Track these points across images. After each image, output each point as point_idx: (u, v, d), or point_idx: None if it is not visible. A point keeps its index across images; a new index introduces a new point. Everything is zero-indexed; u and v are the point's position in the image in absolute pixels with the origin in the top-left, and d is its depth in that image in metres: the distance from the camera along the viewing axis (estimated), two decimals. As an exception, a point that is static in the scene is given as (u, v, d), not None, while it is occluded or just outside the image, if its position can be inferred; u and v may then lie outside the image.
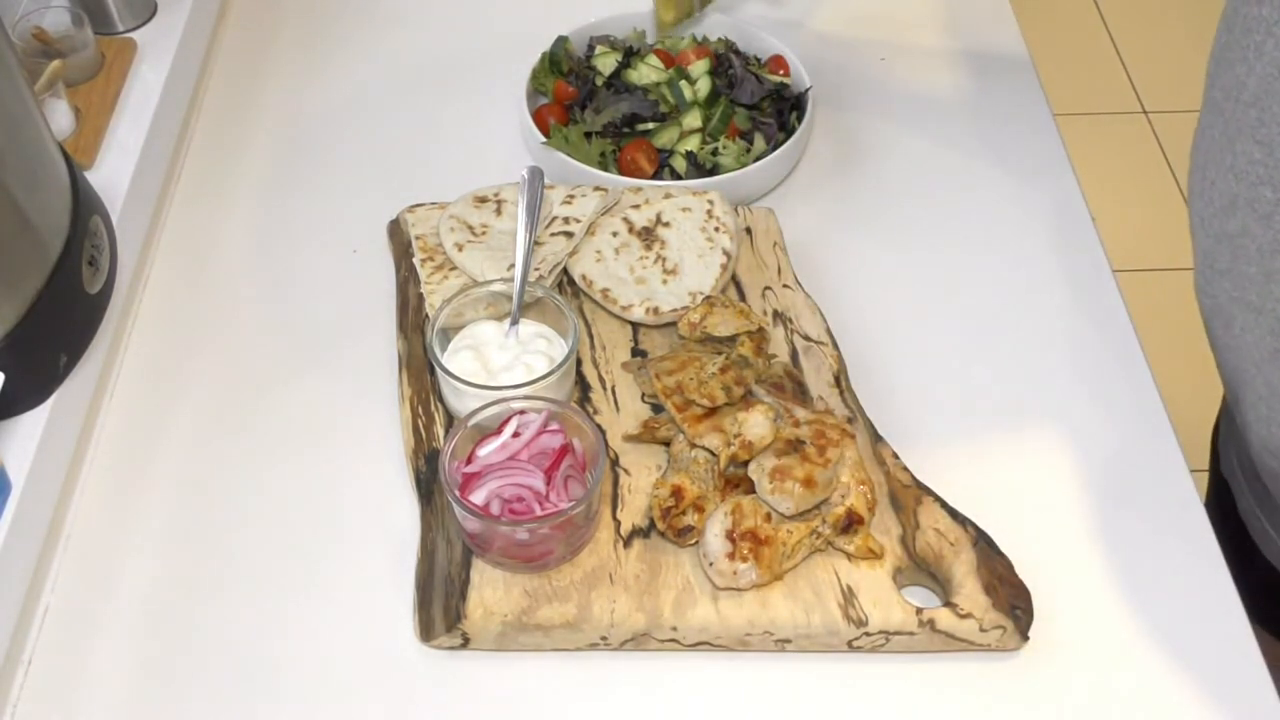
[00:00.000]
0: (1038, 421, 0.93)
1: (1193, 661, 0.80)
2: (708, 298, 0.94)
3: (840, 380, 0.92)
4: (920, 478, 0.86)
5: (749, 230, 1.03)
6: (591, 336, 0.96)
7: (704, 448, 0.85)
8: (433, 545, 0.83)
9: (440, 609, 0.80)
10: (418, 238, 1.01)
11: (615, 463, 0.88)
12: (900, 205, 1.10)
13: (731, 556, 0.79)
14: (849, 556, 0.82)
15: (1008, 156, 1.14)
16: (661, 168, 1.07)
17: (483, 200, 1.02)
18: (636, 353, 0.95)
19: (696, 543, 0.82)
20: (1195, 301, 0.90)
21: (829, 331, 0.96)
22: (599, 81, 1.13)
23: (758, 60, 1.17)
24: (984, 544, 0.82)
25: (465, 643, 0.80)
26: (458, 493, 0.80)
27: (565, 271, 0.99)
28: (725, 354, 0.89)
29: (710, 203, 1.01)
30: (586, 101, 1.12)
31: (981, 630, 0.79)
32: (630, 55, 1.15)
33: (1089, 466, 0.91)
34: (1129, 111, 2.68)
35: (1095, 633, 0.82)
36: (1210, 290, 0.86)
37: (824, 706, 0.79)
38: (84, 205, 0.90)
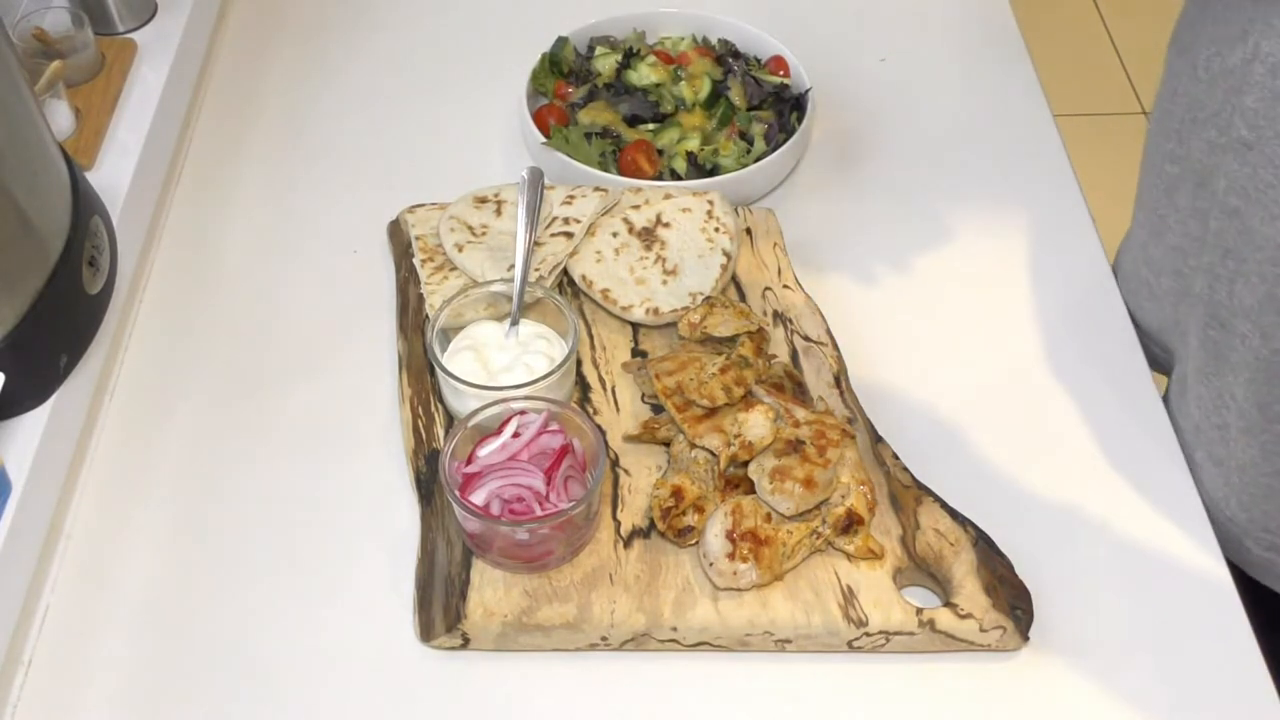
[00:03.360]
0: (1038, 421, 0.93)
1: (1193, 662, 0.80)
2: (708, 298, 0.94)
3: (840, 380, 0.92)
4: (920, 478, 0.86)
5: (749, 231, 1.03)
6: (591, 337, 0.96)
7: (704, 448, 0.85)
8: (433, 545, 0.83)
9: (440, 609, 0.80)
10: (418, 238, 1.01)
11: (615, 463, 0.88)
12: (900, 205, 1.10)
13: (731, 557, 0.79)
14: (849, 557, 0.82)
15: (1008, 156, 1.14)
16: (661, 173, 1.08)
17: (483, 200, 1.02)
18: (636, 353, 0.95)
19: (696, 543, 0.82)
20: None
21: (829, 332, 0.96)
22: (599, 83, 1.13)
23: (758, 61, 1.17)
24: (984, 544, 0.82)
25: (465, 643, 0.80)
26: (458, 493, 0.80)
27: (565, 272, 0.99)
28: (725, 354, 0.89)
29: (710, 203, 1.01)
30: (586, 102, 1.12)
31: (981, 630, 0.79)
32: (630, 56, 1.15)
33: (1089, 467, 0.91)
34: (1129, 112, 2.68)
35: (1095, 633, 0.82)
36: (1181, 153, 0.87)
37: (824, 706, 0.79)
38: (84, 205, 0.90)
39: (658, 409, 0.90)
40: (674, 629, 0.79)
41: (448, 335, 0.92)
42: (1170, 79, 0.90)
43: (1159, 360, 0.98)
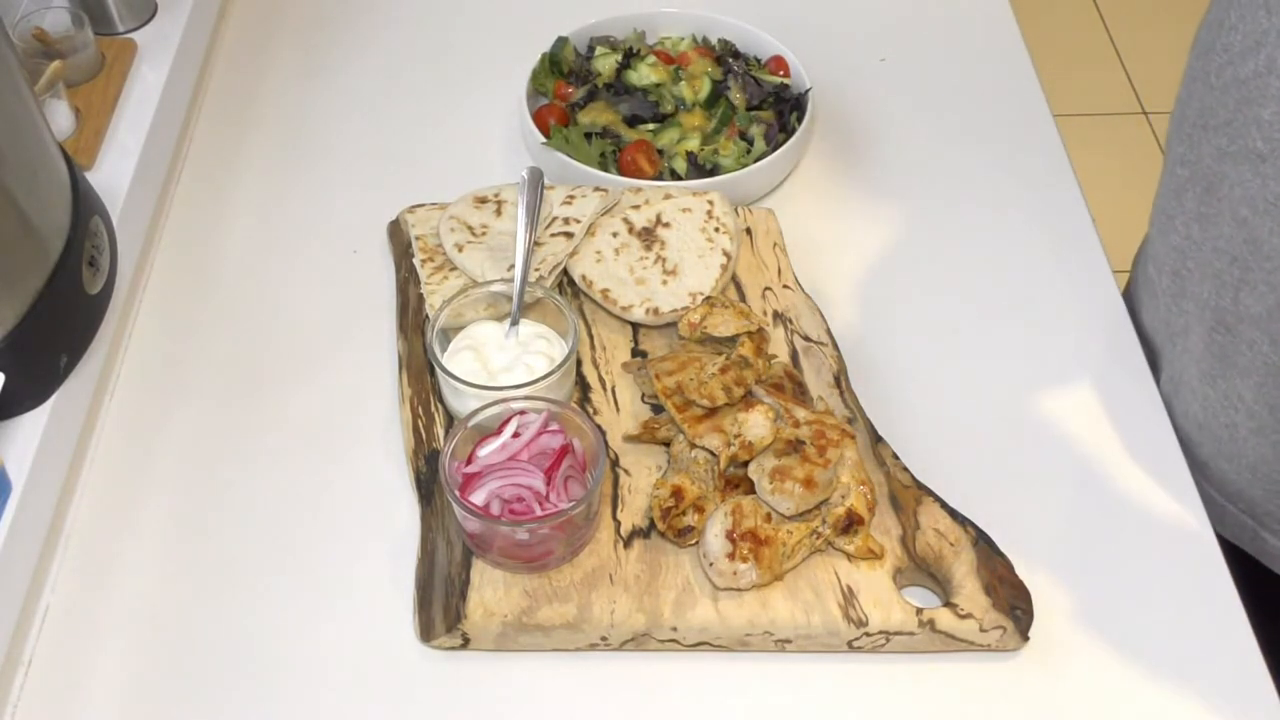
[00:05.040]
0: (1038, 422, 0.93)
1: (1193, 661, 0.80)
2: (708, 298, 0.94)
3: (840, 380, 0.92)
4: (920, 478, 0.86)
5: (749, 231, 1.03)
6: (591, 337, 0.96)
7: (704, 448, 0.85)
8: (433, 545, 0.83)
9: (440, 609, 0.80)
10: (418, 238, 1.01)
11: (615, 463, 0.88)
12: (900, 206, 1.10)
13: (731, 557, 0.79)
14: (849, 557, 0.82)
15: (1008, 156, 1.14)
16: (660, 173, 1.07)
17: (483, 200, 1.02)
18: (636, 353, 0.95)
19: (696, 543, 0.82)
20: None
21: (829, 331, 0.96)
22: (599, 83, 1.13)
23: (758, 61, 1.17)
24: (984, 544, 0.82)
25: (465, 643, 0.80)
26: (458, 493, 0.80)
27: (565, 272, 0.99)
28: (725, 354, 0.89)
29: (710, 203, 1.01)
30: (586, 102, 1.12)
31: (981, 630, 0.79)
32: (630, 56, 1.15)
33: (1089, 466, 0.91)
34: (1129, 112, 2.68)
35: (1095, 633, 0.82)
36: (1191, 157, 0.87)
37: (824, 706, 0.79)
38: (84, 205, 0.90)
39: (658, 409, 0.90)
40: (674, 629, 0.79)
41: (448, 335, 0.92)
42: (1188, 82, 0.89)
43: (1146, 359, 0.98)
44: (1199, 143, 0.86)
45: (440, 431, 0.90)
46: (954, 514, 0.84)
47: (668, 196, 1.02)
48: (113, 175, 1.01)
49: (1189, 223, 0.89)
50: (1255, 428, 0.87)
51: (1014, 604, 0.80)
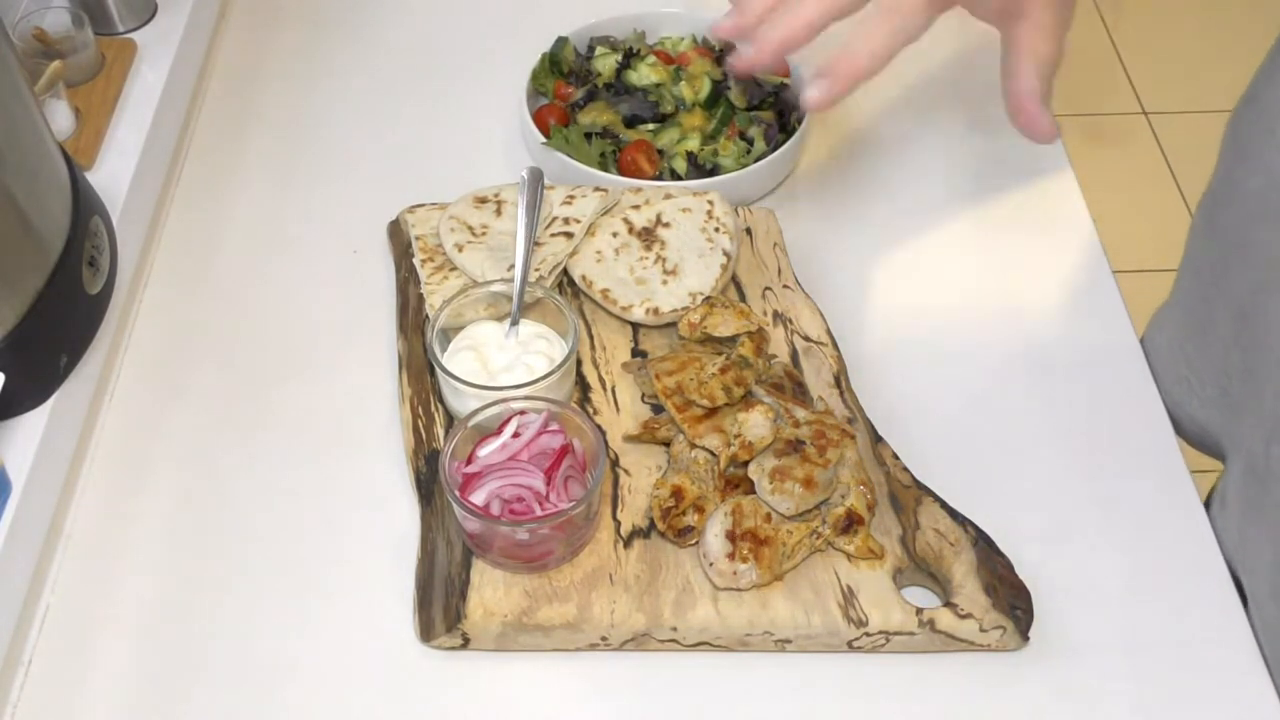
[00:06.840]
0: (1038, 422, 0.93)
1: (1193, 662, 0.80)
2: (708, 298, 0.94)
3: (840, 380, 0.92)
4: (920, 478, 0.86)
5: (749, 231, 1.03)
6: (591, 337, 0.96)
7: (704, 448, 0.85)
8: (433, 545, 0.83)
9: (440, 609, 0.80)
10: (418, 238, 1.01)
11: (615, 463, 0.88)
12: (900, 205, 1.10)
13: (731, 557, 0.79)
14: (849, 557, 0.82)
15: (1008, 157, 1.14)
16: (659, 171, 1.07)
17: (483, 201, 1.02)
18: (636, 353, 0.95)
19: (696, 543, 0.82)
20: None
21: (829, 332, 0.96)
22: (599, 83, 1.13)
23: (758, 60, 1.17)
24: (984, 544, 0.82)
25: (465, 643, 0.80)
26: (458, 493, 0.80)
27: (565, 272, 0.99)
28: (725, 354, 0.89)
29: (710, 203, 1.01)
30: (586, 102, 1.12)
31: (982, 630, 0.79)
32: (630, 56, 1.15)
33: (1089, 466, 0.91)
34: (1129, 112, 2.68)
35: (1095, 633, 0.82)
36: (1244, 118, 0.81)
37: (824, 706, 0.79)
38: (84, 206, 0.90)
39: (658, 409, 0.90)
40: (674, 629, 0.79)
41: (448, 335, 0.92)
42: (1236, 164, 0.82)
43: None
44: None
45: (440, 431, 0.90)
46: (954, 514, 0.84)
47: (668, 196, 1.01)
48: (113, 175, 1.01)
49: None
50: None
51: (1014, 604, 0.80)
